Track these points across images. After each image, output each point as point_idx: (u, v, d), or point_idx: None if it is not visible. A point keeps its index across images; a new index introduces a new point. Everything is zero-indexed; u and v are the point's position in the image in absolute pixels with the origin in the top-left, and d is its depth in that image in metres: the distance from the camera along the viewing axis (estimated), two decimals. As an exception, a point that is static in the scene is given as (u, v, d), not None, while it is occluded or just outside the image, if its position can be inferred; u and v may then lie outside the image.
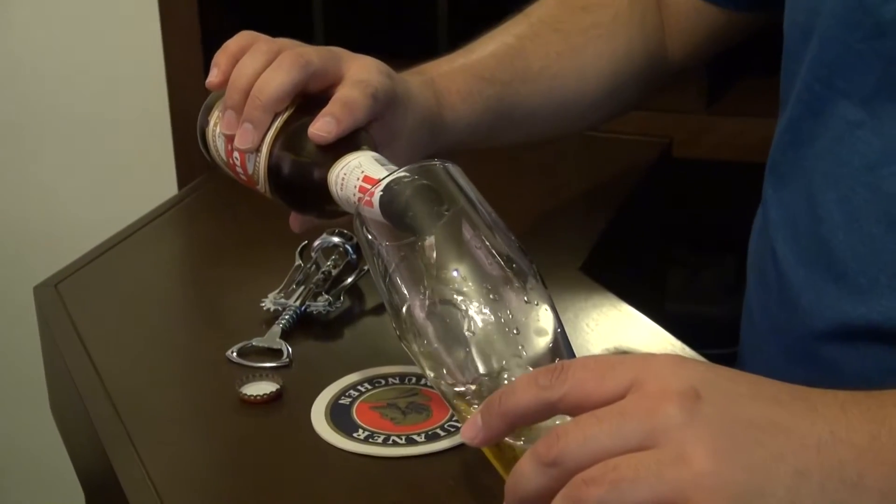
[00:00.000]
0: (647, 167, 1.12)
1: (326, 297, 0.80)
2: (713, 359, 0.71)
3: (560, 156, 1.12)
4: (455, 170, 0.59)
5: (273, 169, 0.68)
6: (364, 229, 0.59)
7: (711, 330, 1.12)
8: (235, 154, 0.70)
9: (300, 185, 0.67)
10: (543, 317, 0.56)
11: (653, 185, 1.13)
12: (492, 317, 0.55)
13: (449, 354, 0.55)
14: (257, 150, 0.69)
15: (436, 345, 0.55)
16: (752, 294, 0.82)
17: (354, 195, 0.63)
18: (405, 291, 0.56)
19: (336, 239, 0.85)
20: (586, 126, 0.91)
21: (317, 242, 0.85)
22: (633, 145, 1.15)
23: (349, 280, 0.83)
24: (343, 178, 0.64)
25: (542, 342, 0.55)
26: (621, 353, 0.75)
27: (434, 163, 0.58)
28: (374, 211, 0.58)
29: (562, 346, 0.55)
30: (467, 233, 0.56)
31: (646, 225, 1.16)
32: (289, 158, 0.68)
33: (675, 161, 1.18)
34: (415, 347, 0.56)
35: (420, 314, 0.56)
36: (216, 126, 0.72)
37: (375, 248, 0.58)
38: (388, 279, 0.57)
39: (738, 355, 0.85)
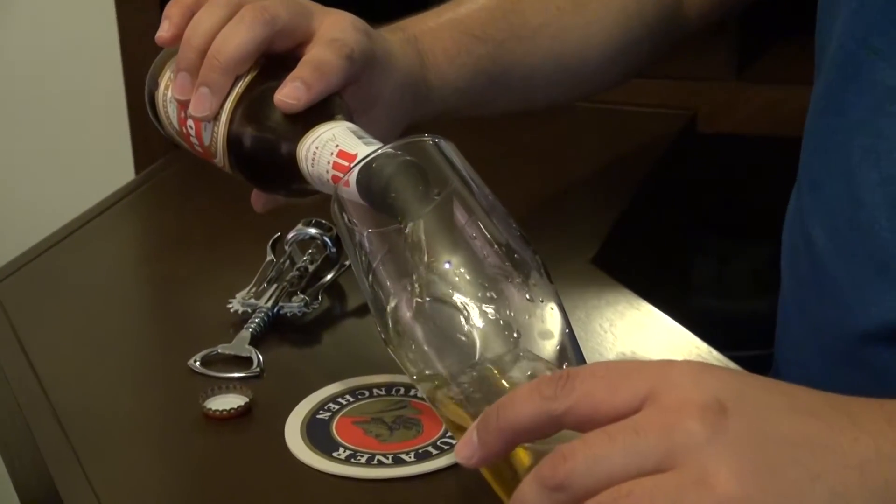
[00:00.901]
0: (669, 143, 1.12)
1: (302, 296, 0.80)
2: (746, 362, 0.70)
3: (567, 131, 1.11)
4: (449, 147, 0.58)
5: (233, 140, 0.68)
6: (343, 216, 0.58)
7: (744, 329, 1.12)
8: (190, 122, 0.70)
9: (264, 159, 0.67)
10: (549, 317, 0.55)
11: (675, 164, 1.13)
12: (489, 317, 0.55)
13: (441, 361, 0.55)
14: (215, 118, 0.69)
15: (426, 350, 0.55)
16: (788, 288, 0.82)
17: (328, 172, 0.63)
18: (391, 288, 0.56)
19: (313, 230, 0.85)
20: (591, 92, 0.91)
21: (291, 234, 0.84)
22: (652, 119, 1.15)
23: (328, 277, 0.83)
24: (314, 153, 0.64)
25: (548, 346, 0.55)
26: (637, 360, 0.75)
27: (424, 138, 0.58)
28: (351, 191, 0.58)
29: (570, 351, 0.55)
30: (461, 218, 0.56)
31: (667, 210, 1.16)
32: (251, 129, 0.68)
33: (700, 136, 1.17)
34: (402, 353, 0.56)
35: (407, 314, 0.55)
36: (167, 90, 0.72)
37: (357, 237, 0.57)
38: (371, 274, 0.57)
39: (775, 358, 0.85)
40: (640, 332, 0.78)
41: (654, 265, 1.12)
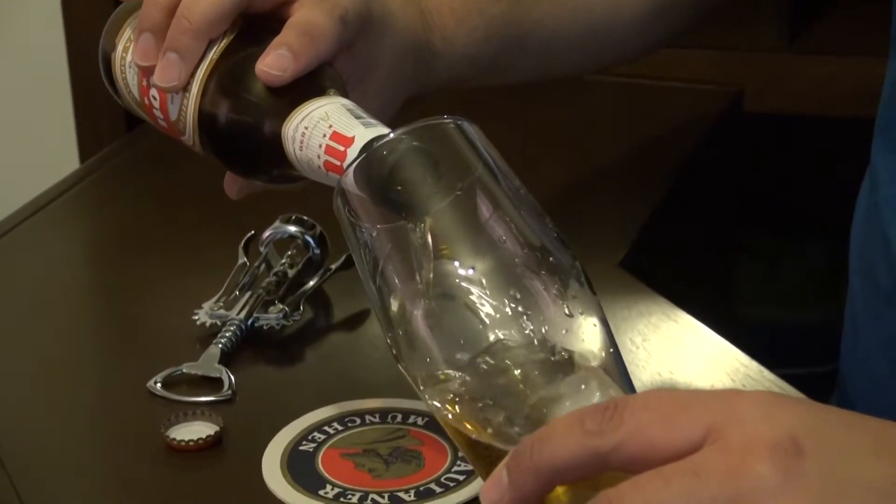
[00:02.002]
0: (710, 125, 1.12)
1: (281, 306, 0.80)
2: (804, 381, 0.70)
3: (592, 110, 1.11)
4: (473, 131, 0.58)
5: (206, 117, 0.68)
6: (347, 210, 0.58)
7: (800, 343, 1.12)
8: (153, 93, 0.70)
9: (243, 139, 0.67)
10: (590, 335, 0.55)
11: (718, 148, 1.13)
12: (520, 335, 0.54)
13: (464, 384, 0.55)
14: (184, 89, 0.69)
15: (447, 370, 0.55)
16: (857, 294, 0.82)
17: (319, 158, 0.63)
18: (403, 295, 0.56)
19: (293, 228, 0.84)
20: (619, 59, 0.91)
21: (267, 233, 0.84)
22: (691, 96, 1.15)
23: (311, 283, 0.82)
24: (303, 135, 0.64)
25: None
26: (697, 389, 0.74)
27: (444, 120, 0.58)
28: (348, 181, 0.58)
29: (616, 376, 0.55)
30: (485, 212, 0.56)
31: (708, 202, 1.16)
32: (228, 104, 0.68)
33: (747, 116, 1.17)
34: (417, 372, 0.56)
35: (423, 327, 0.55)
36: (126, 52, 0.72)
37: (363, 235, 0.57)
38: (378, 278, 0.57)
39: (840, 376, 0.85)
40: (677, 347, 0.78)
41: (694, 268, 1.12)
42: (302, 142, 0.64)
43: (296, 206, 0.85)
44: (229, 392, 0.74)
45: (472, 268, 0.55)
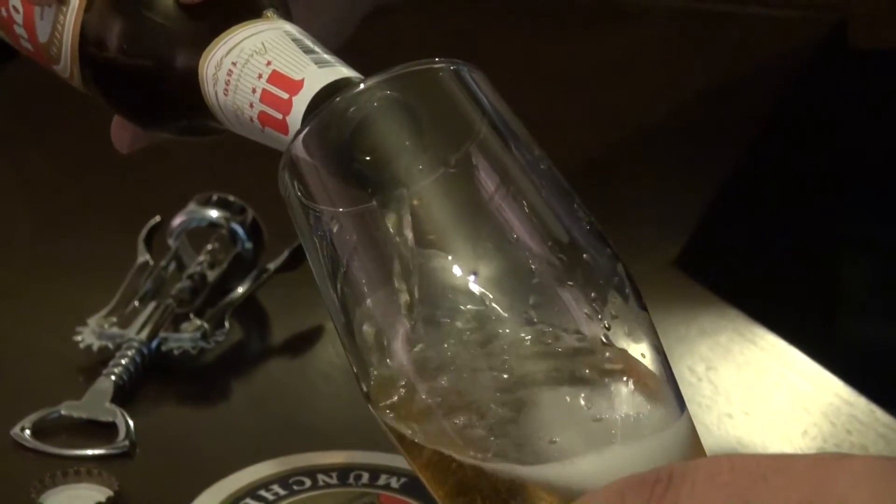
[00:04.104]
0: (803, 66, 1.13)
1: (198, 322, 0.81)
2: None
3: (640, 47, 1.12)
4: (477, 79, 0.58)
5: (90, 42, 0.68)
6: (297, 188, 0.58)
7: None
8: (15, 2, 0.70)
9: (142, 76, 0.67)
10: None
11: (812, 100, 1.13)
12: (539, 368, 0.55)
13: (461, 435, 0.55)
14: (60, 0, 0.69)
15: (438, 418, 0.55)
16: None
17: (252, 108, 0.63)
18: (375, 309, 0.56)
19: (214, 213, 0.85)
20: None
21: (178, 220, 0.85)
22: (776, 26, 1.15)
23: (240, 290, 0.83)
24: (230, 74, 0.64)
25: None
26: (784, 453, 0.75)
27: (436, 64, 0.58)
28: (296, 146, 0.58)
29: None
30: (492, 193, 0.56)
31: (799, 176, 1.16)
32: (122, 26, 0.67)
33: (853, 54, 1.18)
34: (394, 417, 0.56)
35: (404, 354, 0.56)
36: None
37: (320, 224, 0.57)
38: (341, 282, 0.57)
39: None
40: (754, 377, 0.79)
41: (777, 268, 1.13)
42: (228, 84, 0.64)
43: (218, 182, 0.85)
44: (126, 442, 0.75)
45: (475, 274, 0.55)
